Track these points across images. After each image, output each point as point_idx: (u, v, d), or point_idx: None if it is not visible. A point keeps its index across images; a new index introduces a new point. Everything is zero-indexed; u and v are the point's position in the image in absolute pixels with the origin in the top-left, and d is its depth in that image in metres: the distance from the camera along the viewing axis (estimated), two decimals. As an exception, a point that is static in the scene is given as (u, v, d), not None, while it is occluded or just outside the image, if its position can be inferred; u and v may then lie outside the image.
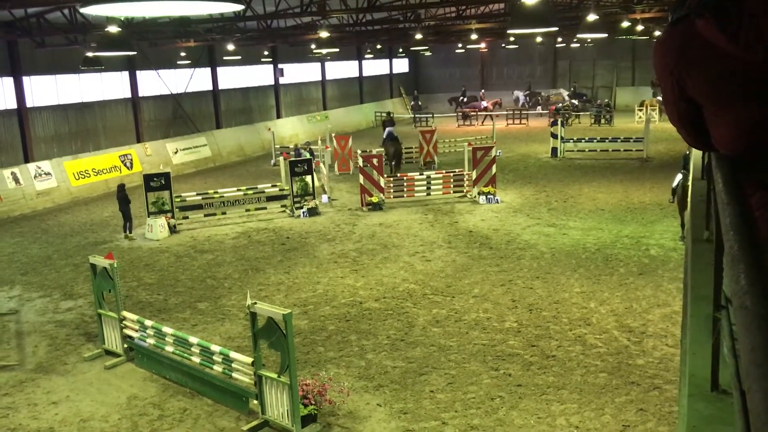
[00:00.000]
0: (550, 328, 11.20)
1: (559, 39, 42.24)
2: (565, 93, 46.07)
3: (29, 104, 24.30)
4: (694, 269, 2.97)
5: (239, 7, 3.39)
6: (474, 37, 29.95)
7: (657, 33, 33.02)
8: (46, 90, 25.10)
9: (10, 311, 13.25)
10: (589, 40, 41.52)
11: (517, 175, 25.17)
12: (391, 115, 29.93)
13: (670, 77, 1.53)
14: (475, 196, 20.79)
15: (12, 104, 23.78)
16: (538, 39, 40.40)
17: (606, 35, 21.97)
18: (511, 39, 37.99)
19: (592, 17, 17.53)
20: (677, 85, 1.53)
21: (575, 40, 40.92)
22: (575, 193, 21.52)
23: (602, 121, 38.77)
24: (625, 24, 25.88)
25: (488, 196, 20.57)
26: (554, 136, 28.44)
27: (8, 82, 23.64)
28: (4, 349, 11.31)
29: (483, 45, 44.60)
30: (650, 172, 24.64)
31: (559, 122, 28.96)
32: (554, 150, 28.38)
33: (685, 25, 1.46)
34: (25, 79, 24.10)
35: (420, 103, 48.75)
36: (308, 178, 20.28)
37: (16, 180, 23.01)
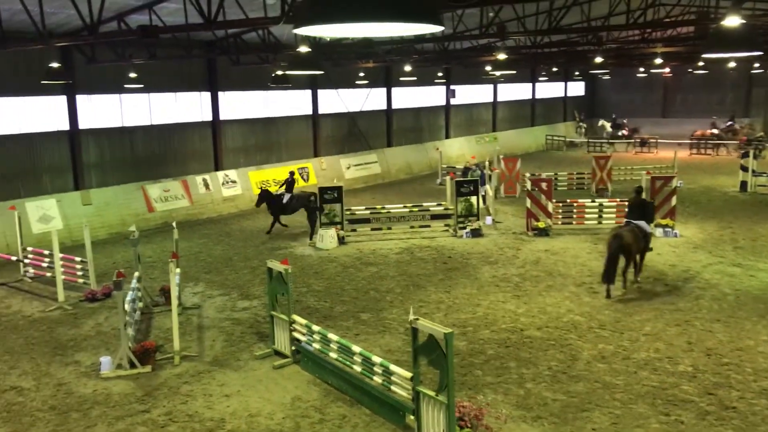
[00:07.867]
0: (730, 377, 10.24)
1: (756, 64, 38.83)
2: (607, 123, 44.34)
3: (221, 117, 26.49)
4: None
5: (440, 29, 3.46)
6: (658, 61, 28.51)
7: None
8: (237, 105, 27.21)
9: (194, 306, 14.44)
10: (791, 66, 37.85)
11: (700, 208, 23.42)
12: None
13: None
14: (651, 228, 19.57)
15: (208, 116, 26.06)
16: (731, 64, 37.45)
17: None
18: (700, 64, 35.65)
19: (798, 40, 15.99)
20: None
21: (775, 65, 37.50)
22: (766, 232, 19.60)
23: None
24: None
25: (666, 229, 19.33)
26: (744, 168, 26.20)
27: (206, 96, 25.94)
28: (187, 341, 12.31)
29: (667, 69, 42.24)
30: None
31: (750, 154, 26.65)
32: (743, 183, 26.14)
33: None
34: (220, 94, 26.31)
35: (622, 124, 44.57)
36: (473, 199, 20.24)
37: (206, 186, 25.16)
